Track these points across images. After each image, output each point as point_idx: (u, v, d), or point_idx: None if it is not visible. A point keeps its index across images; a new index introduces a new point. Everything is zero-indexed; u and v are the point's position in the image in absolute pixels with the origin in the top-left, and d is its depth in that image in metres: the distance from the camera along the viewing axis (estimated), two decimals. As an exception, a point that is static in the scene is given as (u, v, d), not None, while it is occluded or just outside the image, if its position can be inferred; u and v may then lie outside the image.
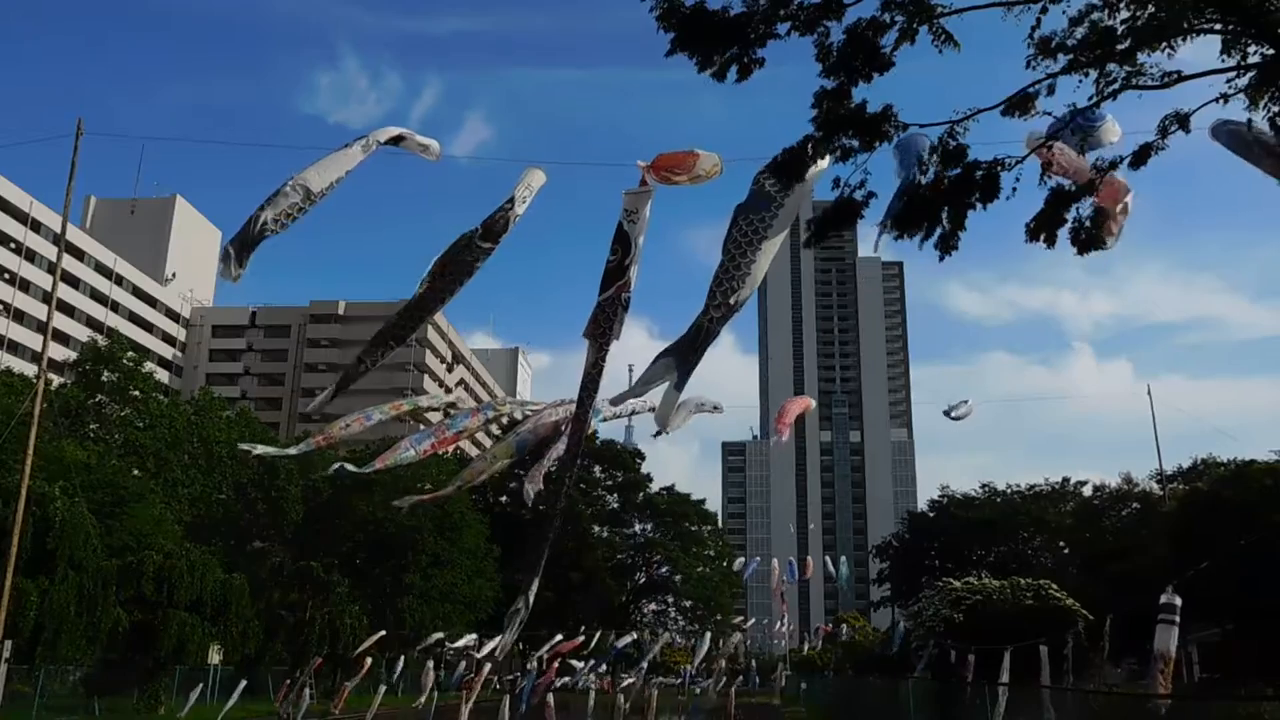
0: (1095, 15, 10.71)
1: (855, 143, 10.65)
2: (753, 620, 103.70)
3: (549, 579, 70.42)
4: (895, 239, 11.79)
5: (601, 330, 11.64)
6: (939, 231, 11.50)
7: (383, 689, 31.61)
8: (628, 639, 42.32)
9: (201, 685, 32.97)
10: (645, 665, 41.38)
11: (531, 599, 13.06)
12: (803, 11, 10.24)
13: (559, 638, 36.71)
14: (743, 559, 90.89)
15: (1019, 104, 10.82)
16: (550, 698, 28.65)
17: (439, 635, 42.29)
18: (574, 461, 12.89)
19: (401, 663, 39.51)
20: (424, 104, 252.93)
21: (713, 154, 13.93)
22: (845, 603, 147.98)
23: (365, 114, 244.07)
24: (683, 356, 12.85)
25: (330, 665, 39.69)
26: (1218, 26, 10.78)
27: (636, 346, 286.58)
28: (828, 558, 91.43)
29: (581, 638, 39.72)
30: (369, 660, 33.42)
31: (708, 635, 47.02)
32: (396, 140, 13.17)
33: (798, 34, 10.35)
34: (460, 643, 36.47)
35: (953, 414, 40.06)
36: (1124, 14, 10.63)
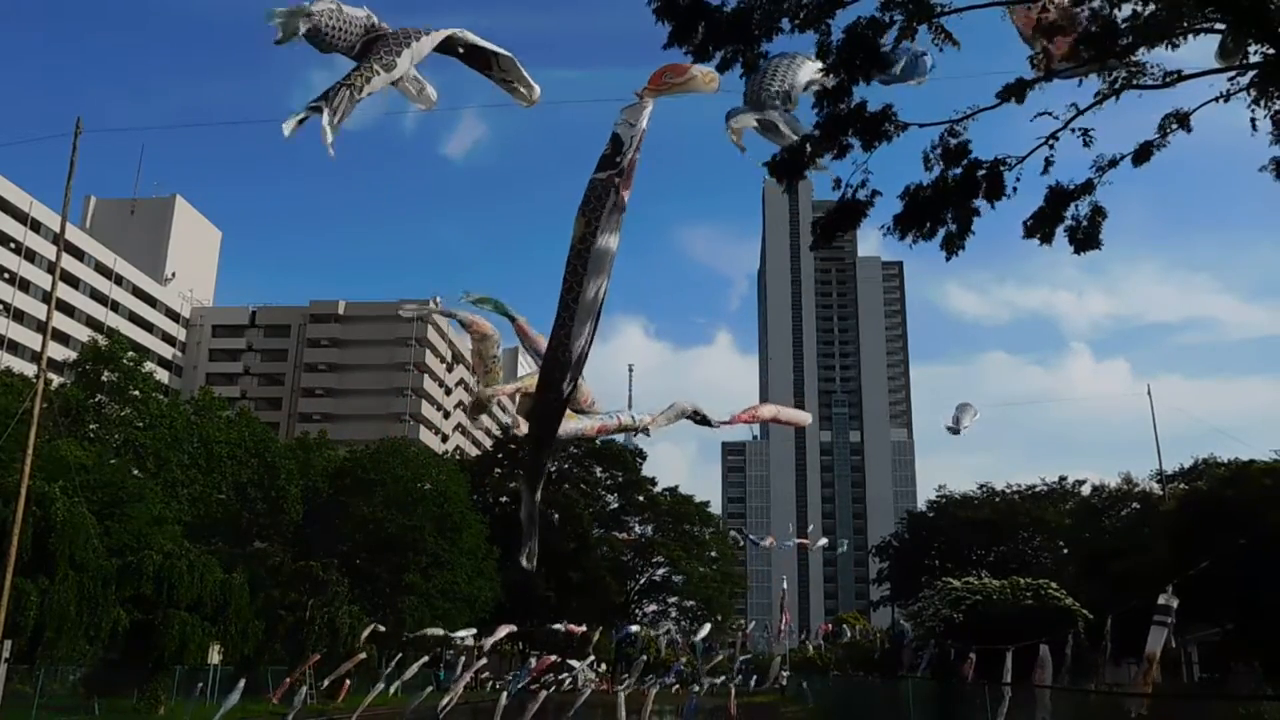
0: (1097, 3, 10.71)
1: (856, 141, 10.63)
2: (753, 622, 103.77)
3: (549, 579, 70.39)
4: (900, 239, 11.69)
5: (593, 207, 10.62)
6: (943, 232, 11.49)
7: (380, 686, 31.63)
8: (634, 628, 42.22)
9: (201, 685, 32.96)
10: (640, 663, 41.34)
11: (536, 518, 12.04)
12: (802, 9, 10.21)
13: (560, 626, 36.72)
14: (735, 534, 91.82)
15: (1016, 90, 10.79)
16: (542, 694, 28.61)
17: (437, 631, 42.19)
18: (564, 376, 10.75)
19: (399, 659, 39.60)
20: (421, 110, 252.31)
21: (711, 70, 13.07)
22: (845, 600, 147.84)
23: (359, 114, 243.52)
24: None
25: (329, 664, 39.72)
26: (1219, 26, 10.79)
27: (636, 346, 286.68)
28: (825, 539, 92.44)
29: (584, 627, 39.67)
30: (361, 654, 33.46)
31: (707, 626, 46.96)
32: (396, 80, 12.27)
33: (798, 31, 10.33)
34: (461, 633, 36.42)
35: (960, 425, 39.71)
36: (1126, 10, 10.63)
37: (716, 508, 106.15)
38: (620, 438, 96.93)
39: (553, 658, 36.46)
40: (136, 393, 48.62)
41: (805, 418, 24.85)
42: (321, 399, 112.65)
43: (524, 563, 12.59)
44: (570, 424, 17.53)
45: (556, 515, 75.40)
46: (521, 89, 12.51)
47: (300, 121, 10.19)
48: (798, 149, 11.04)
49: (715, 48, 10.52)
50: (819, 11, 10.24)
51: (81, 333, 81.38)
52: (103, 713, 33.28)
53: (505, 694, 28.13)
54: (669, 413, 18.16)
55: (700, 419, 18.42)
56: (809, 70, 11.70)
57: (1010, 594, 27.37)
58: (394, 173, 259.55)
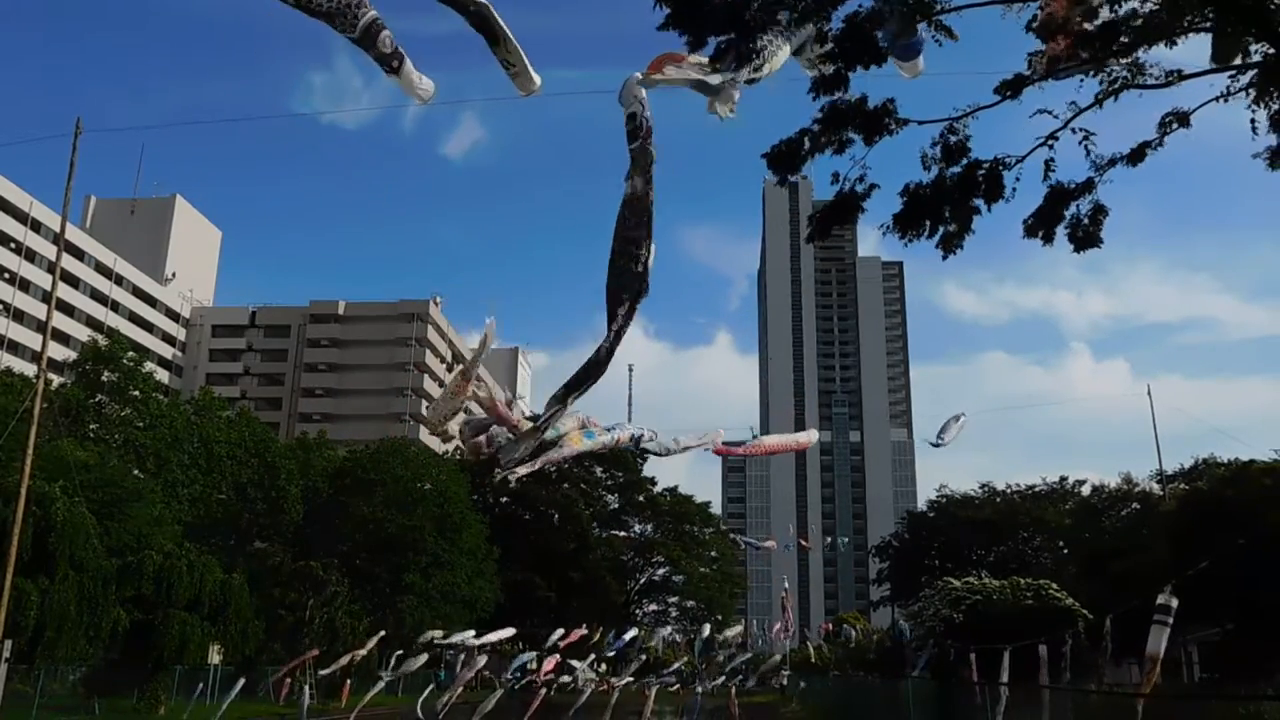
0: (1096, 1, 10.70)
1: (857, 136, 10.61)
2: (753, 621, 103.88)
3: (549, 579, 70.23)
4: (900, 239, 11.64)
5: (640, 166, 10.43)
6: (942, 231, 11.47)
7: (380, 685, 31.65)
8: (631, 633, 42.26)
9: (201, 685, 32.95)
10: (638, 663, 41.37)
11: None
12: (801, 2, 10.17)
13: (560, 631, 36.71)
14: (734, 537, 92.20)
15: (1013, 85, 10.77)
16: (542, 692, 28.58)
17: (435, 633, 42.26)
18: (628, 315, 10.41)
19: (397, 658, 39.60)
20: (418, 103, 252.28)
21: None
22: (845, 600, 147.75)
23: (358, 115, 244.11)
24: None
25: (329, 664, 39.81)
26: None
27: (635, 347, 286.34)
28: (829, 539, 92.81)
29: (584, 629, 39.67)
30: (360, 653, 33.48)
31: (708, 626, 46.92)
32: (396, 65, 11.90)
33: (796, 25, 10.28)
34: (456, 638, 36.44)
35: (943, 438, 39.39)
36: (1125, 9, 10.62)
37: (717, 508, 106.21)
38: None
39: (556, 657, 36.55)
40: (136, 393, 48.67)
41: (810, 438, 24.16)
42: (321, 399, 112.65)
43: (505, 468, 12.29)
44: (573, 447, 17.45)
45: (556, 515, 75.40)
46: (523, 79, 12.23)
47: None
48: (795, 142, 11.03)
49: (710, 35, 10.42)
50: (817, 4, 10.19)
51: (81, 333, 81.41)
52: (103, 713, 33.28)
53: (499, 691, 28.08)
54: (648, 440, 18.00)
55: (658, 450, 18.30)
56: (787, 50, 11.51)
57: (1010, 594, 27.38)
58: (394, 173, 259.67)
